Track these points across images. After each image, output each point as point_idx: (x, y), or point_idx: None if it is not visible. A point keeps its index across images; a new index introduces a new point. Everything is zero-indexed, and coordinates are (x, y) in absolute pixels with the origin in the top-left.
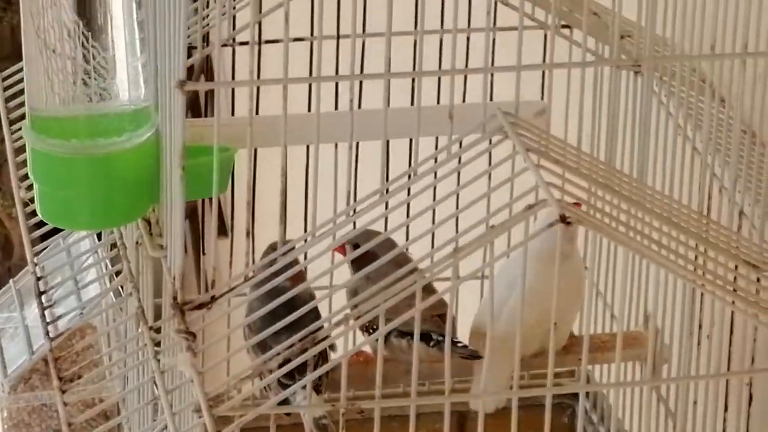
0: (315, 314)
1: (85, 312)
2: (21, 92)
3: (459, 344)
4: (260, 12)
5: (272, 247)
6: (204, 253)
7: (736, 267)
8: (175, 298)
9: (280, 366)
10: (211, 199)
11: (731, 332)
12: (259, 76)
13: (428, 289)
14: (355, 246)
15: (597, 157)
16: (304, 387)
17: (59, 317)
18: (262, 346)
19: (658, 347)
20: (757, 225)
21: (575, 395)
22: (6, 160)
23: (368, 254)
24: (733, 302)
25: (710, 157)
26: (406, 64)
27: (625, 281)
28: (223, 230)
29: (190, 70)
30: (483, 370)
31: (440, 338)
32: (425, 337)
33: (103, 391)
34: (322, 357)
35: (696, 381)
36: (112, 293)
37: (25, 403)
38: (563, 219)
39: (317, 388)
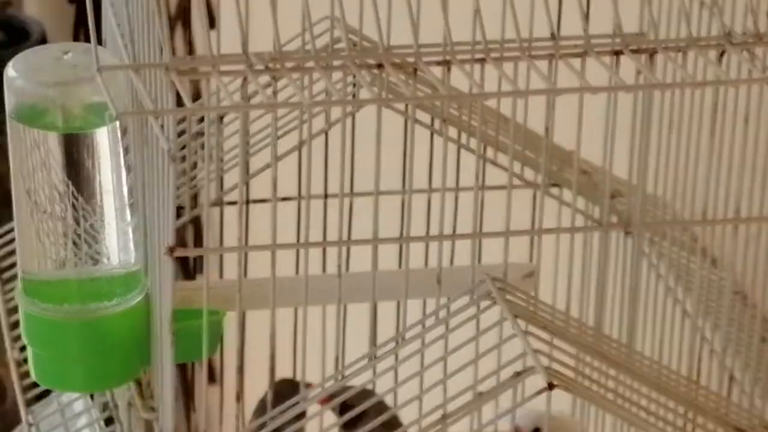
0: None
1: None
2: (14, 252)
3: None
4: (248, 173)
5: (263, 402)
6: (194, 410)
7: None
8: None
9: None
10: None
11: None
12: (247, 236)
13: None
14: (345, 406)
15: (586, 321)
16: None
17: None
18: None
19: None
20: (747, 390)
21: None
22: None
23: (359, 415)
24: None
25: (701, 320)
26: (394, 222)
27: None
28: (212, 377)
29: (178, 230)
30: None
31: None
32: None
33: None
34: None
35: None
36: None
37: None
38: (551, 387)
39: None
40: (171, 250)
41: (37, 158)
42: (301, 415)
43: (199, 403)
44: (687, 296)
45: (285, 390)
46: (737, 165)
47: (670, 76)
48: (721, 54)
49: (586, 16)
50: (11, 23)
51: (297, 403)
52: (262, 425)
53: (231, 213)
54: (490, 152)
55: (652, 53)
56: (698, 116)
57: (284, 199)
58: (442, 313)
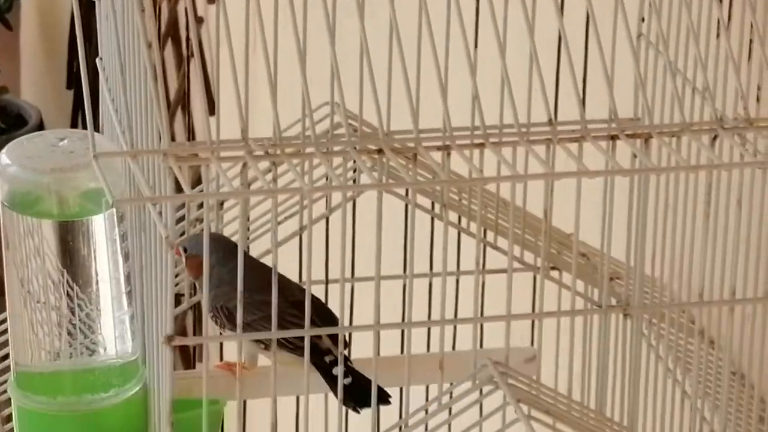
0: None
1: None
2: (6, 343)
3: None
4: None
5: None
6: None
7: None
8: None
9: None
10: None
11: None
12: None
13: None
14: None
15: (588, 404)
16: None
17: None
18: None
19: None
20: None
21: None
22: None
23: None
24: None
25: (700, 401)
26: (396, 307)
27: None
28: None
29: (177, 317)
30: None
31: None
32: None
33: None
34: None
35: None
36: None
37: None
38: None
39: None
40: (169, 338)
41: (30, 246)
42: None
43: None
44: (686, 377)
45: None
46: (732, 246)
47: (665, 160)
48: (714, 138)
49: (583, 102)
50: (8, 109)
51: None
52: None
53: None
54: (490, 236)
55: (647, 138)
56: (693, 199)
57: None
58: (445, 399)
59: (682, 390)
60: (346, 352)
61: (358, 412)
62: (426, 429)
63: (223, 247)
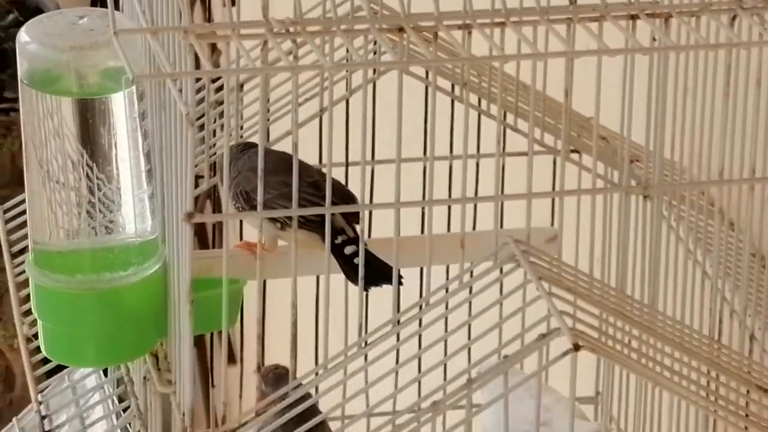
0: None
1: None
2: (23, 224)
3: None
4: (268, 141)
5: (270, 372)
6: (213, 386)
7: (748, 392)
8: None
9: None
10: (220, 331)
11: None
12: None
13: None
14: None
15: (608, 283)
16: None
17: None
18: None
19: None
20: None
21: None
22: (7, 290)
23: None
24: (746, 428)
25: (720, 282)
26: (416, 190)
27: (639, 407)
28: (232, 358)
29: (196, 200)
30: None
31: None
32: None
33: None
34: None
35: None
36: (119, 431)
37: None
38: (576, 348)
39: None
40: (189, 216)
41: (49, 126)
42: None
43: (218, 382)
44: (706, 258)
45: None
46: (751, 126)
47: (684, 40)
48: (733, 18)
49: None
50: (26, 3)
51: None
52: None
53: None
54: (510, 119)
55: (666, 17)
56: (712, 80)
57: None
58: (466, 278)
59: (702, 271)
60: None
61: (366, 290)
62: (446, 307)
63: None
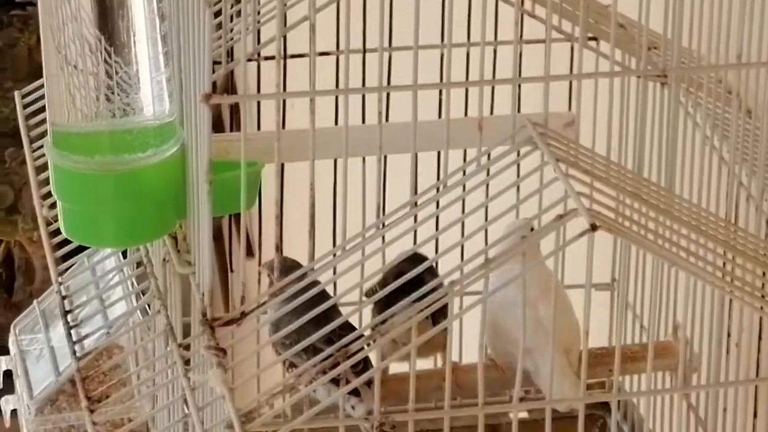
0: (347, 328)
1: (112, 331)
2: (41, 109)
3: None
4: (285, 26)
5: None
6: (232, 271)
7: (764, 274)
8: (204, 315)
9: (313, 380)
10: (237, 218)
11: (760, 339)
12: (285, 87)
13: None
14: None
15: (625, 167)
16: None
17: (86, 336)
18: (297, 358)
19: (688, 356)
20: None
21: (606, 406)
22: (26, 183)
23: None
24: (762, 308)
25: (737, 167)
26: (433, 78)
27: (654, 292)
28: (249, 251)
29: (214, 85)
30: (516, 384)
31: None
32: None
33: (132, 410)
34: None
35: (726, 388)
36: (139, 312)
37: (52, 425)
38: (594, 228)
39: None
40: (207, 96)
41: (67, 10)
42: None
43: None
44: (723, 144)
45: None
46: None
47: None
48: None
49: None
50: None
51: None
52: (300, 278)
53: (267, 72)
54: (527, 5)
55: None
56: None
57: (322, 53)
58: (483, 160)
59: (719, 156)
60: None
61: None
62: (464, 189)
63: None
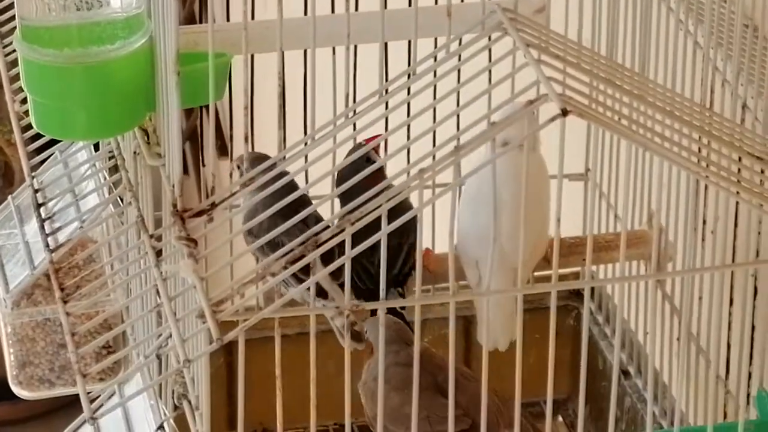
0: (317, 218)
1: (86, 223)
2: (11, 6)
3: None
4: None
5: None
6: (203, 165)
7: (740, 159)
8: (174, 206)
9: (287, 267)
10: (208, 113)
11: (735, 225)
12: None
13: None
14: None
15: (598, 53)
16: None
17: (59, 229)
18: (269, 249)
19: (662, 245)
20: (760, 118)
21: (580, 297)
22: (0, 87)
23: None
24: (738, 192)
25: (712, 52)
26: None
27: (628, 181)
28: (223, 150)
29: None
30: (486, 274)
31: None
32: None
33: (105, 302)
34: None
35: (701, 274)
36: (111, 204)
37: (28, 318)
38: (564, 113)
39: (322, 292)
40: None
41: None
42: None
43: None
44: (698, 28)
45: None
46: None
47: None
48: None
49: None
50: None
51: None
52: (269, 168)
53: None
54: None
55: None
56: None
57: None
58: (454, 46)
59: (693, 41)
60: None
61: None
62: (434, 75)
63: None
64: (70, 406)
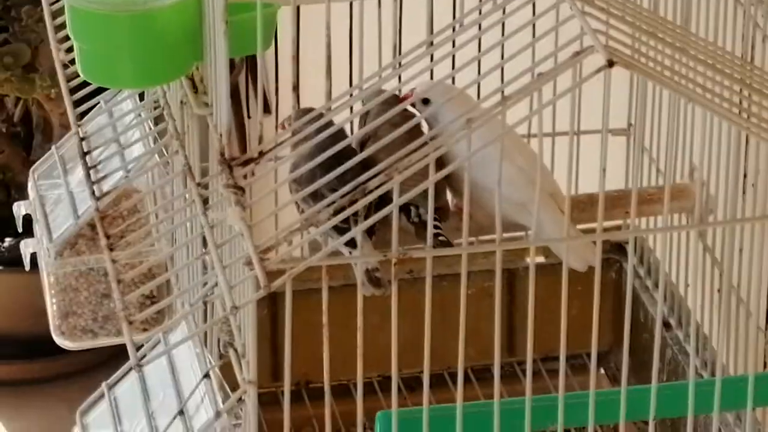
0: (363, 167)
1: (131, 171)
2: None
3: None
4: None
5: (300, 110)
6: (249, 117)
7: None
8: (222, 155)
9: (331, 217)
10: (254, 76)
11: None
12: None
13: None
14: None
15: (641, 6)
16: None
17: (104, 177)
18: (315, 197)
19: (704, 198)
20: None
21: (622, 251)
22: (42, 41)
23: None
24: None
25: (753, 8)
26: None
27: (671, 135)
28: (265, 108)
29: None
30: (533, 224)
31: (417, 219)
32: (405, 209)
33: (150, 252)
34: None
35: (742, 226)
36: (156, 154)
37: (71, 268)
38: (610, 64)
39: (371, 233)
40: None
41: None
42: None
43: (253, 113)
44: None
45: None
46: None
47: None
48: None
49: None
50: None
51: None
52: (316, 118)
53: None
54: None
55: None
56: None
57: None
58: None
59: None
60: None
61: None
62: (480, 28)
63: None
64: (108, 363)
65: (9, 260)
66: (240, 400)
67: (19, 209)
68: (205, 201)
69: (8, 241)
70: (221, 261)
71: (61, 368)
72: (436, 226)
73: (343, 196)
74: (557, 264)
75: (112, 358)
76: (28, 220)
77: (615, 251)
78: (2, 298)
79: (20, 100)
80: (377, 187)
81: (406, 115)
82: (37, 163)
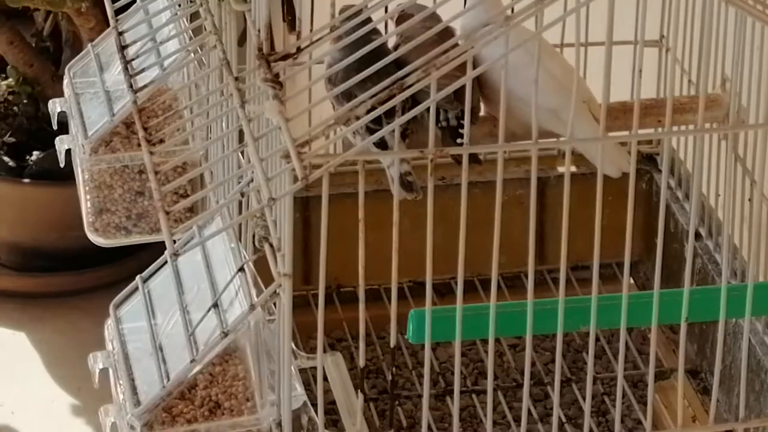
0: (397, 66)
1: (168, 66)
2: None
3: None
4: None
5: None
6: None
7: None
8: (260, 49)
9: (368, 113)
10: None
11: None
12: None
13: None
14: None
15: None
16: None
17: (141, 71)
18: (348, 96)
19: (735, 107)
20: None
21: (652, 161)
22: None
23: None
24: None
25: None
26: None
27: (704, 46)
28: (293, 26)
29: None
30: (569, 123)
31: (445, 123)
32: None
33: (186, 149)
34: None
35: None
36: (191, 50)
37: (106, 165)
38: None
39: (403, 136)
40: None
41: None
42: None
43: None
44: None
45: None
46: None
47: None
48: None
49: None
50: None
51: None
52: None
53: None
54: None
55: None
56: None
57: None
58: None
59: None
60: None
61: None
62: None
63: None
64: (133, 279)
65: (37, 173)
66: (275, 293)
67: (54, 106)
68: (242, 95)
69: (36, 154)
70: (258, 154)
71: (85, 282)
72: (462, 131)
73: (376, 94)
74: (588, 174)
75: (135, 275)
76: (63, 118)
77: (646, 162)
78: (29, 211)
79: (50, 15)
80: (415, 83)
81: (439, 19)
82: (73, 60)
